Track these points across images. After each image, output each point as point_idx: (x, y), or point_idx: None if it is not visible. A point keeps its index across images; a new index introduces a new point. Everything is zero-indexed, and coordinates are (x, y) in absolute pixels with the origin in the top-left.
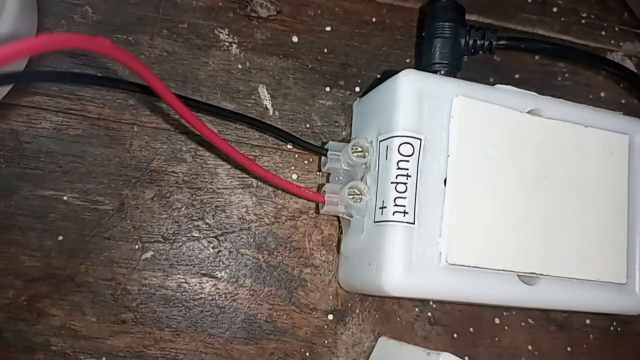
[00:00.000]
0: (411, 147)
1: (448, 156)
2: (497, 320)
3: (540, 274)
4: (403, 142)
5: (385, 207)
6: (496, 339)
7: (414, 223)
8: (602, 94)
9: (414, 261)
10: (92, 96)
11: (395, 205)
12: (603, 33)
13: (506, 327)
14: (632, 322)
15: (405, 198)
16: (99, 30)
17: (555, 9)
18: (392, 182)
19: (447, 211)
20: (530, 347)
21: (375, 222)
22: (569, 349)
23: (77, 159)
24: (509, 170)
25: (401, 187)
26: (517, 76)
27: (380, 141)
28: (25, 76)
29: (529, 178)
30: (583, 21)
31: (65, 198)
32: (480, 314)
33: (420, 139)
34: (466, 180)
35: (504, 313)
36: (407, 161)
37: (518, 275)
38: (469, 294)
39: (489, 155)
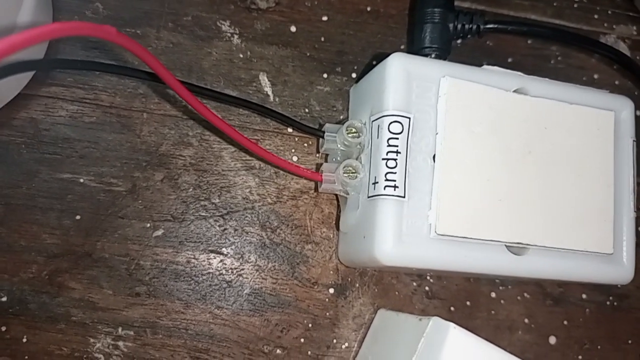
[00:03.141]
0: (400, 126)
1: (436, 134)
2: (493, 295)
3: (527, 244)
4: (393, 120)
5: (377, 183)
6: (492, 312)
7: (404, 197)
8: (596, 76)
9: (404, 232)
10: (105, 86)
11: (386, 180)
12: (596, 16)
13: (502, 301)
14: (628, 296)
15: (395, 173)
16: (109, 24)
17: None
18: (383, 159)
19: (435, 185)
20: (526, 320)
21: (368, 197)
22: (565, 322)
23: (91, 145)
24: (495, 146)
25: (391, 163)
26: (510, 60)
27: (372, 121)
28: (43, 63)
29: (514, 153)
30: (575, 5)
31: (81, 180)
32: (477, 288)
33: (409, 118)
34: (454, 156)
35: (500, 287)
36: (397, 139)
37: (506, 246)
38: (458, 264)
39: (475, 132)
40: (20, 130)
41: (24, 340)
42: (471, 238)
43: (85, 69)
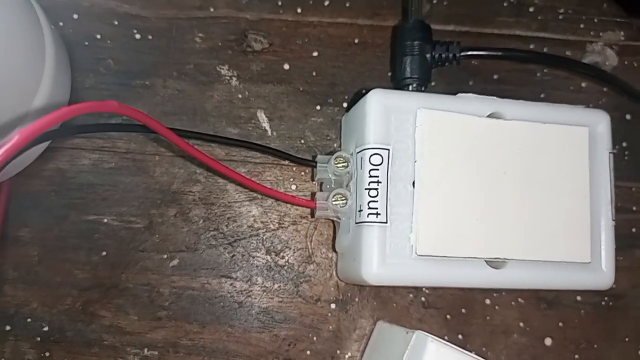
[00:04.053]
0: (380, 157)
1: (415, 162)
2: (487, 301)
3: (505, 259)
4: (373, 153)
5: (362, 210)
6: (487, 318)
7: (386, 222)
8: (583, 84)
9: (388, 254)
10: (120, 135)
11: (369, 208)
12: (582, 26)
13: (497, 307)
14: (624, 296)
15: (377, 201)
16: (121, 78)
17: (531, 9)
18: (365, 188)
19: (415, 209)
20: (521, 324)
21: (356, 223)
22: (560, 324)
23: (112, 188)
24: (471, 170)
25: (373, 192)
26: (495, 77)
27: (357, 152)
28: (61, 132)
29: (490, 175)
30: (561, 17)
31: (105, 220)
32: (471, 296)
33: (389, 149)
34: (432, 182)
35: (494, 294)
36: (378, 169)
37: (485, 261)
38: (440, 280)
39: (451, 158)
40: (49, 180)
41: None
42: (451, 256)
43: (98, 131)
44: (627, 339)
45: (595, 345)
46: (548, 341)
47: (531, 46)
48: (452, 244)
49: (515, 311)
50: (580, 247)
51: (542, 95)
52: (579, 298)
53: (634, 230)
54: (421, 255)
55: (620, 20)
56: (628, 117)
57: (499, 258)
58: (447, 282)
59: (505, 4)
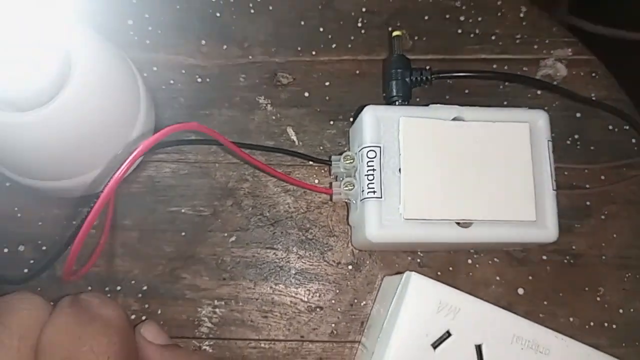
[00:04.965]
0: (374, 152)
1: (399, 155)
2: (469, 261)
3: (471, 219)
4: (369, 150)
5: (364, 190)
6: (470, 274)
7: (381, 197)
8: (539, 92)
9: (383, 220)
10: (190, 150)
11: (369, 188)
12: (536, 46)
13: (477, 265)
14: (582, 255)
15: (374, 183)
16: (190, 110)
17: (493, 37)
18: (365, 175)
19: (402, 188)
20: (497, 278)
21: (360, 200)
22: (530, 277)
23: (186, 187)
24: (442, 159)
25: (371, 177)
26: (466, 91)
27: (359, 151)
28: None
29: (456, 161)
30: (518, 41)
31: (182, 211)
32: (457, 257)
33: (380, 147)
34: (413, 168)
35: (475, 256)
36: (373, 161)
37: (456, 222)
38: (422, 237)
39: (426, 151)
40: (143, 184)
41: (159, 312)
42: (429, 219)
43: (179, 144)
44: (586, 289)
45: (560, 294)
46: (520, 291)
47: (494, 66)
48: (429, 210)
49: (492, 268)
50: (527, 209)
51: (505, 103)
52: (544, 257)
53: (588, 203)
54: (407, 219)
55: (568, 39)
56: (578, 115)
57: (465, 219)
58: (428, 239)
59: (471, 36)
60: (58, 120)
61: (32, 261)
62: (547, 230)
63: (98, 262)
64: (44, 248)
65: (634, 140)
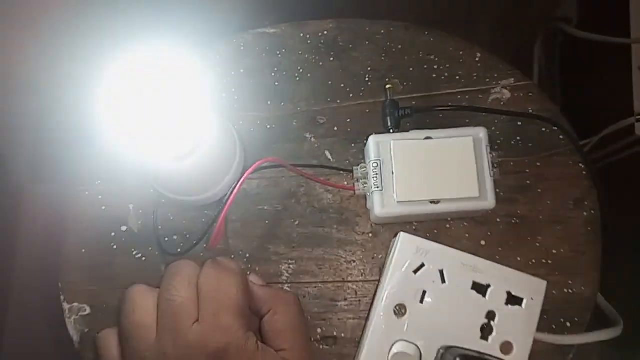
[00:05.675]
0: (377, 163)
1: (392, 163)
2: (447, 226)
3: (439, 198)
4: (374, 162)
5: (372, 186)
6: (448, 234)
7: (382, 190)
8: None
9: (385, 203)
10: (267, 171)
11: (374, 185)
12: (487, 80)
13: (453, 228)
14: (525, 217)
15: (378, 182)
16: (272, 135)
17: (457, 77)
18: (372, 177)
19: (395, 183)
20: (467, 235)
21: (371, 192)
22: (489, 233)
23: (266, 193)
24: (419, 163)
25: (376, 178)
26: (441, 115)
27: (369, 163)
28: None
29: (428, 163)
30: (474, 78)
31: (266, 208)
32: (439, 224)
33: (380, 159)
34: (401, 170)
35: (450, 221)
36: (377, 168)
37: (430, 201)
38: (410, 212)
39: (409, 159)
40: (241, 193)
41: (257, 269)
42: (413, 200)
43: (260, 170)
44: (528, 238)
45: (510, 243)
46: (483, 242)
47: (459, 97)
48: (412, 194)
49: (463, 229)
50: (473, 189)
51: (467, 121)
52: (498, 220)
53: (528, 182)
54: (399, 202)
55: (510, 72)
56: (519, 123)
57: (435, 199)
58: (413, 212)
59: (442, 77)
60: (196, 163)
61: (181, 244)
62: (487, 202)
63: (220, 242)
64: (187, 236)
65: (561, 137)
